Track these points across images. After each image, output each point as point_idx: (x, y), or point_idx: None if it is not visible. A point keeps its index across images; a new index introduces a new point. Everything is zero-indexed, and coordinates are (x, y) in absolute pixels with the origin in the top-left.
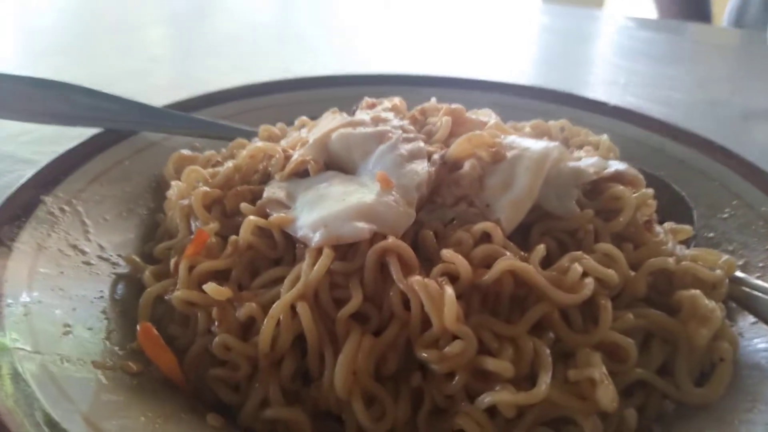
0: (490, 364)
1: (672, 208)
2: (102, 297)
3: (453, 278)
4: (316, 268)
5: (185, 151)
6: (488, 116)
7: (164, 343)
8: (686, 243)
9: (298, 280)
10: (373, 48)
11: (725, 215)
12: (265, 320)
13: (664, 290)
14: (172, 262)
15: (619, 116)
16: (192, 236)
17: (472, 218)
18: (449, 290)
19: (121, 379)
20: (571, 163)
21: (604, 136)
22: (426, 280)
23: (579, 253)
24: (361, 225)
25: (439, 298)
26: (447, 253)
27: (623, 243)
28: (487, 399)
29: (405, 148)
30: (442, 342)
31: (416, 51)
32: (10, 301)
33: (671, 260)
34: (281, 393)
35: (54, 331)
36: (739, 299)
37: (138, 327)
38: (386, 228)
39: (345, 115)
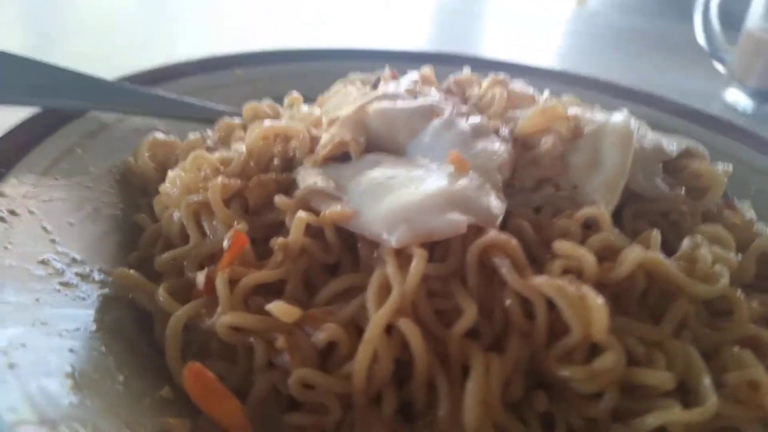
0: (649, 377)
1: None
2: (100, 327)
3: (575, 275)
4: (411, 273)
5: (159, 135)
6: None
7: (222, 388)
8: None
9: (384, 289)
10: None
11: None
12: (361, 346)
13: (764, 273)
14: (200, 276)
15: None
16: (207, 240)
17: (562, 203)
18: (596, 296)
19: None
20: (652, 138)
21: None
22: (558, 281)
23: (696, 237)
24: (457, 217)
25: (581, 304)
26: (565, 245)
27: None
28: (650, 420)
29: (465, 125)
30: (577, 354)
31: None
32: None
33: None
34: None
35: (57, 390)
36: None
37: (185, 368)
38: (482, 219)
39: (356, 88)
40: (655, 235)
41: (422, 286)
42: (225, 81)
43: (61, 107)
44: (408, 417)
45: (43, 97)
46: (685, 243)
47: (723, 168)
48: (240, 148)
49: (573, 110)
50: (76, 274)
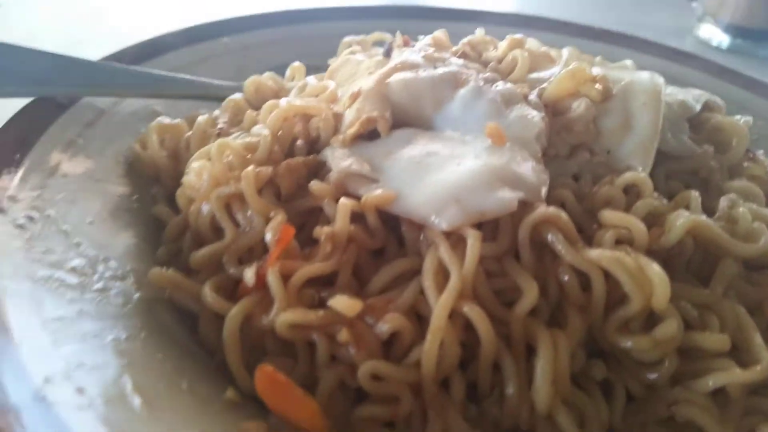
0: (706, 340)
1: None
2: (149, 333)
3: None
4: (469, 255)
5: (164, 120)
6: (537, 47)
7: (299, 389)
8: None
9: (440, 274)
10: None
11: None
12: (429, 334)
13: None
14: (249, 272)
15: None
16: (245, 231)
17: (599, 169)
18: (655, 266)
19: None
20: (678, 95)
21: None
22: (616, 253)
23: (732, 195)
24: (508, 194)
25: (641, 275)
26: (613, 215)
27: (733, 177)
28: (710, 382)
29: (495, 92)
30: (634, 324)
31: None
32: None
33: None
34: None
35: (130, 408)
36: None
37: (258, 372)
38: (530, 193)
39: (368, 56)
40: (696, 196)
41: (479, 267)
42: (214, 51)
43: (51, 94)
44: (472, 398)
45: (32, 86)
46: (723, 202)
47: (744, 120)
48: (262, 131)
49: (597, 70)
50: (109, 277)
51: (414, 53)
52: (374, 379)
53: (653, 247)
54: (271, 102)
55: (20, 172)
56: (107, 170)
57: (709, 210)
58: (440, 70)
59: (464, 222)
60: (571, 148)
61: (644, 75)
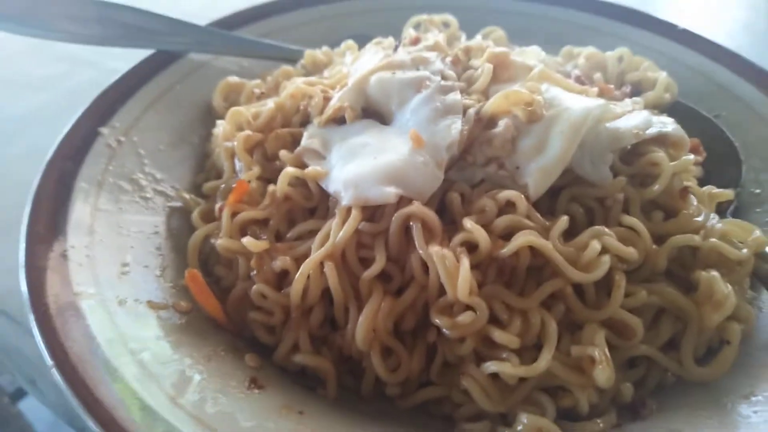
0: (497, 336)
1: (722, 157)
2: (157, 232)
3: (472, 248)
4: (344, 229)
5: (232, 78)
6: (536, 56)
7: (209, 290)
8: (727, 203)
9: (328, 237)
10: None
11: None
12: (296, 276)
13: (689, 265)
14: (217, 207)
15: (687, 42)
16: (236, 178)
17: (500, 181)
18: (465, 263)
19: (171, 319)
20: (611, 125)
21: (663, 74)
22: (444, 251)
23: (601, 228)
24: (389, 189)
25: (454, 271)
26: (468, 223)
27: (654, 211)
28: (491, 368)
29: (441, 100)
30: (456, 308)
31: None
32: (74, 242)
33: (698, 237)
34: (309, 339)
35: (113, 272)
36: (762, 276)
37: (187, 272)
38: (413, 192)
39: (383, 50)
40: (562, 221)
41: (353, 238)
42: (304, 20)
43: (166, 49)
44: (334, 326)
45: (152, 41)
46: (587, 232)
47: (683, 159)
48: (269, 104)
49: (549, 93)
50: (154, 189)
51: (406, 54)
52: (262, 297)
53: (494, 255)
54: (291, 81)
55: (127, 105)
56: (189, 113)
57: None
58: (409, 75)
59: (355, 203)
60: (487, 159)
61: (581, 103)
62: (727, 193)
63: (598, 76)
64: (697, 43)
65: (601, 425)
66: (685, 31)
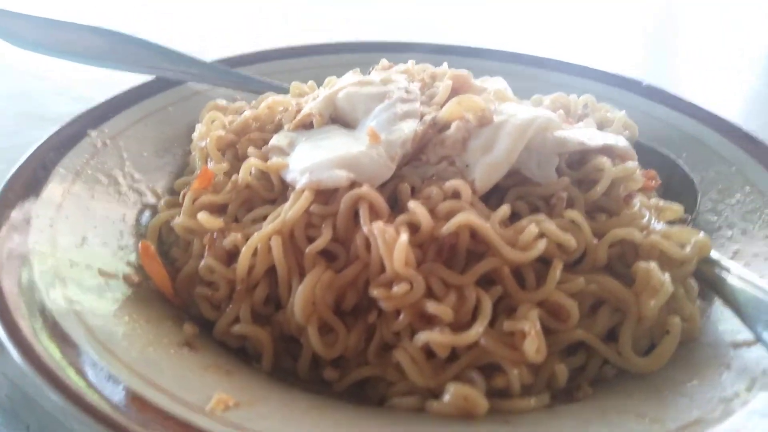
0: (432, 307)
1: (680, 189)
2: (123, 220)
3: (416, 228)
4: (294, 207)
5: (220, 101)
6: (498, 84)
7: (159, 260)
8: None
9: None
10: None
11: (734, 201)
12: (243, 249)
13: (631, 262)
14: (181, 194)
15: (651, 96)
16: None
17: (450, 176)
18: (403, 236)
19: (119, 287)
20: (557, 133)
21: (621, 113)
22: (386, 226)
23: (541, 216)
24: (340, 173)
25: (392, 243)
26: (412, 204)
27: (598, 213)
28: (422, 337)
29: (401, 108)
30: (395, 285)
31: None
32: (40, 212)
33: (639, 234)
34: (251, 314)
35: (71, 241)
36: (707, 280)
37: (140, 243)
38: (364, 178)
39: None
40: (503, 208)
41: (304, 218)
42: (296, 66)
43: (167, 77)
44: (279, 307)
45: (156, 69)
46: (527, 219)
47: (627, 165)
48: (247, 113)
49: (502, 105)
50: (129, 186)
51: (376, 75)
52: (210, 271)
53: (434, 233)
54: (267, 94)
55: (120, 115)
56: (178, 129)
57: None
58: (375, 89)
59: (308, 186)
60: (439, 158)
61: (529, 113)
62: (676, 208)
63: (560, 112)
64: (660, 96)
65: (532, 403)
66: (650, 87)
